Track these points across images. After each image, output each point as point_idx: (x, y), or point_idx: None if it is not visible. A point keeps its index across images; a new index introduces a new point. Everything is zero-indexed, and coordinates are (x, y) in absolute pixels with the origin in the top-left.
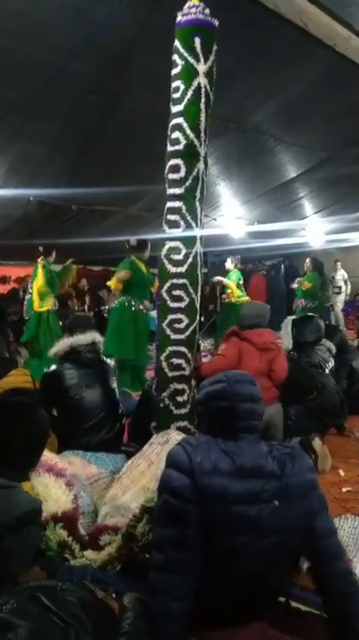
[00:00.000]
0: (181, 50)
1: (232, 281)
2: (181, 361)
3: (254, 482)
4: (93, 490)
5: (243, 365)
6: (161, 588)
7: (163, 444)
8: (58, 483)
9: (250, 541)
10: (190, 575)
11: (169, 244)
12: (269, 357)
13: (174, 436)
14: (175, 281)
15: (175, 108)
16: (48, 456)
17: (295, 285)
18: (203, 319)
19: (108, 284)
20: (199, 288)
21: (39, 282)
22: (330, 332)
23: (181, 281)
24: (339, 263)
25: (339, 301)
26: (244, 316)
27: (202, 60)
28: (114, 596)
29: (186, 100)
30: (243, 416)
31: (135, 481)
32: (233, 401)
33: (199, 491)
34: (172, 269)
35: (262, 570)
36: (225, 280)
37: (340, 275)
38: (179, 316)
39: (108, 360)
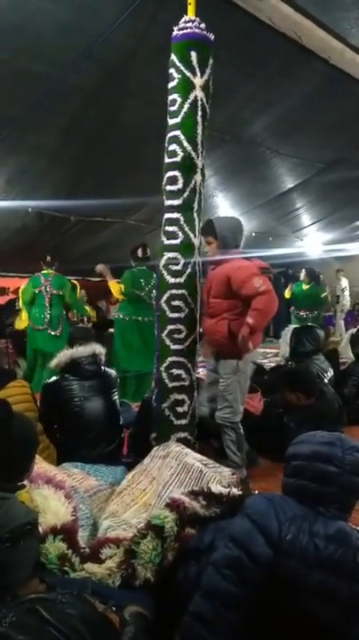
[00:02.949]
0: (178, 63)
1: None
2: (181, 371)
3: (334, 579)
4: (93, 502)
5: None
6: None
7: (163, 458)
8: (57, 495)
9: (302, 629)
10: None
11: (167, 255)
12: None
13: (174, 449)
14: (174, 291)
15: (172, 121)
16: (47, 468)
17: (287, 294)
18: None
19: (112, 291)
20: (198, 298)
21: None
22: None
23: (180, 291)
24: (341, 273)
25: (339, 310)
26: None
27: (198, 73)
28: (114, 609)
29: (182, 112)
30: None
31: (136, 499)
32: (346, 473)
33: (276, 568)
34: (171, 280)
35: None
36: None
37: (340, 284)
38: (179, 326)
39: (110, 371)
